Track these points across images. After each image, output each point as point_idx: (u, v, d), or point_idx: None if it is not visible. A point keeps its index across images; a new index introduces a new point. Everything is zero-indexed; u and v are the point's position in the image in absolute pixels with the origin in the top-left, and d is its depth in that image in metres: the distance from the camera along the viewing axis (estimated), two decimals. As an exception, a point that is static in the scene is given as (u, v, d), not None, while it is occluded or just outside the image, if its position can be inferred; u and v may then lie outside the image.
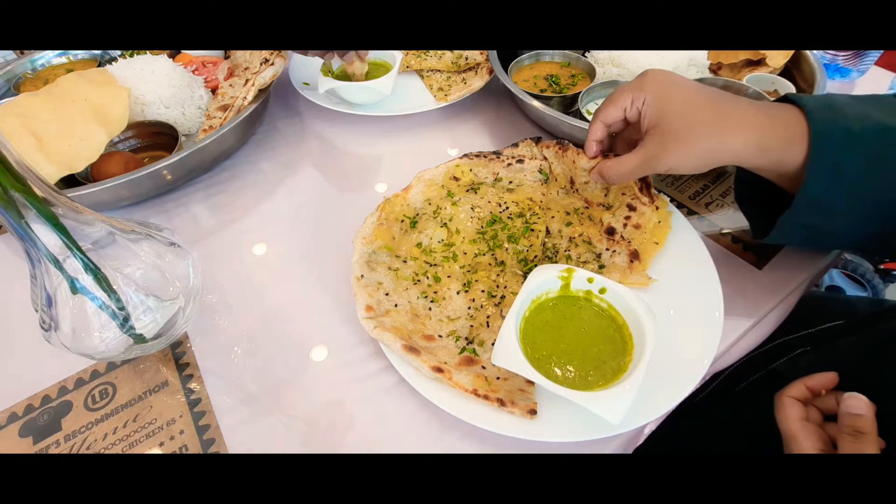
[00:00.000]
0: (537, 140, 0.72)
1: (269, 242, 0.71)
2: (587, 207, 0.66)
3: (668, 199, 0.66)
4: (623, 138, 0.63)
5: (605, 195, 0.66)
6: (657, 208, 0.63)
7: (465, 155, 0.72)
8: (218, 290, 0.65)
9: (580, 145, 0.67)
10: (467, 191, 0.68)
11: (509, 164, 0.71)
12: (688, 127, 0.51)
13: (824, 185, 0.46)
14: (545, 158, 0.71)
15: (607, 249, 0.61)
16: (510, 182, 0.70)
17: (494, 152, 0.72)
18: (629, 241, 0.61)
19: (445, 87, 0.94)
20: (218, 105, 0.85)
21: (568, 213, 0.65)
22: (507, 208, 0.66)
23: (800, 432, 0.42)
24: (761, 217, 0.55)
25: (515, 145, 0.73)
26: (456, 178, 0.69)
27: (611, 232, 0.62)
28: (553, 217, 0.65)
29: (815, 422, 0.44)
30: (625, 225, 0.62)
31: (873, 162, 0.45)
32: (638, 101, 0.55)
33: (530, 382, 0.50)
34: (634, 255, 0.59)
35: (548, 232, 0.64)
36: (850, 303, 0.68)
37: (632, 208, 0.63)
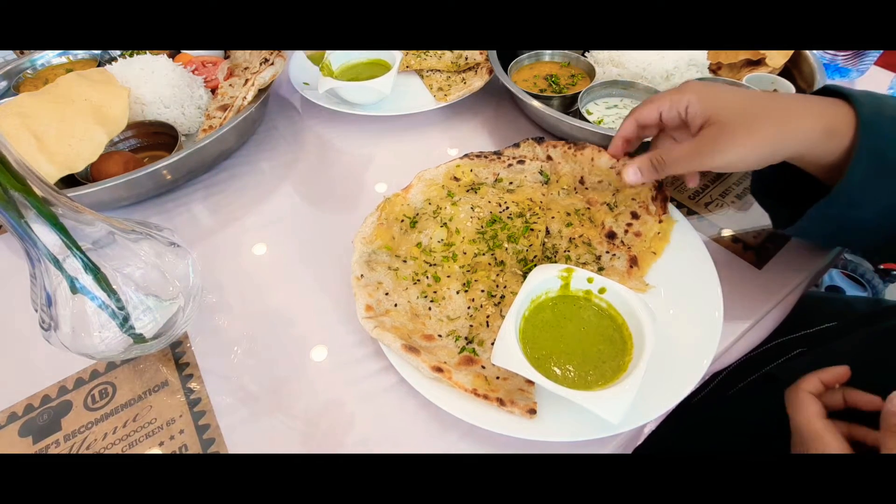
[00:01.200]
0: (539, 140, 0.72)
1: (269, 242, 0.71)
2: (588, 208, 0.66)
3: (675, 206, 0.65)
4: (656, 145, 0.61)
5: (613, 195, 0.66)
6: (660, 221, 0.62)
7: (466, 155, 0.72)
8: (218, 290, 0.65)
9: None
10: (467, 191, 0.68)
11: (510, 165, 0.71)
12: (748, 118, 0.48)
13: (867, 175, 0.45)
14: (549, 158, 0.71)
15: (607, 252, 0.61)
16: (510, 183, 0.70)
17: (495, 152, 0.72)
18: (629, 247, 0.61)
19: (445, 87, 0.94)
20: (218, 105, 0.85)
21: (568, 214, 0.65)
22: (507, 208, 0.66)
23: (825, 431, 0.40)
24: (780, 209, 0.54)
25: (517, 145, 0.73)
26: (456, 179, 0.69)
27: (611, 236, 0.62)
28: (553, 218, 0.65)
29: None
30: (626, 231, 0.62)
31: None
32: (679, 104, 0.53)
33: (530, 382, 0.50)
34: (634, 261, 0.59)
35: (547, 232, 0.64)
36: (848, 303, 0.68)
37: (635, 216, 0.63)
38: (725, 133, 0.49)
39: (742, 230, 0.68)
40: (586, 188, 0.68)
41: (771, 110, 0.48)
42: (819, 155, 0.48)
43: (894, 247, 0.52)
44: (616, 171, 0.63)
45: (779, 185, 0.56)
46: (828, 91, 0.50)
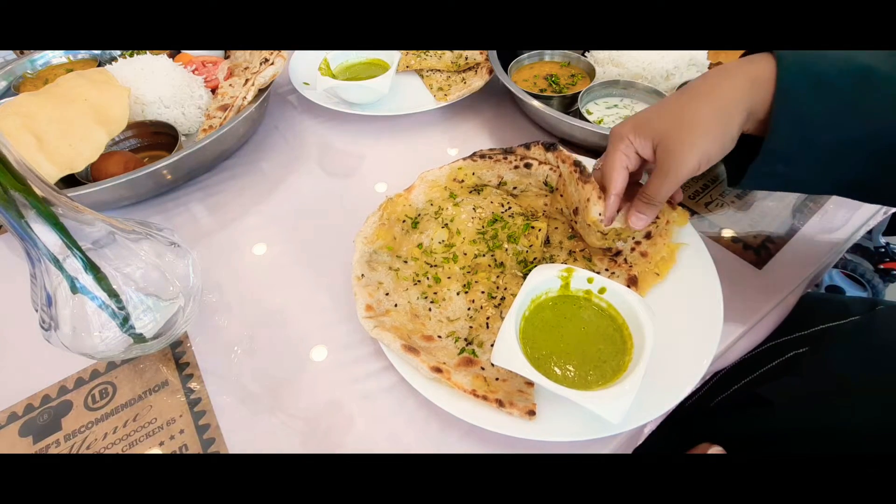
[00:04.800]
0: (550, 147, 0.68)
1: (269, 242, 0.71)
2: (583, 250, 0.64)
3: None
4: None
5: (604, 237, 0.61)
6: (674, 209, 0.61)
7: (471, 155, 0.70)
8: (218, 290, 0.65)
9: (589, 151, 0.65)
10: (470, 192, 0.68)
11: (516, 167, 0.68)
12: (682, 116, 0.49)
13: (787, 136, 0.45)
14: (558, 169, 0.67)
15: (606, 269, 0.60)
16: (514, 187, 0.69)
17: (503, 151, 0.69)
18: (630, 266, 0.59)
19: (445, 87, 0.94)
20: (218, 105, 0.85)
21: (571, 228, 0.64)
22: (510, 208, 0.65)
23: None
24: (737, 164, 0.54)
25: (527, 147, 0.69)
26: (459, 181, 0.69)
27: (615, 253, 0.61)
28: (556, 228, 0.64)
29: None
30: (632, 249, 0.60)
31: (847, 107, 0.43)
32: (630, 150, 0.54)
33: (529, 384, 0.50)
34: (633, 281, 0.58)
35: (548, 241, 0.63)
36: (846, 303, 0.68)
37: (647, 235, 0.61)
38: (673, 143, 0.49)
39: (742, 230, 0.68)
40: (577, 222, 0.63)
41: (696, 95, 0.49)
42: (756, 109, 0.47)
43: (860, 190, 0.51)
44: (601, 220, 0.60)
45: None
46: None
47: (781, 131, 0.45)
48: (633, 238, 0.61)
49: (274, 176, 0.81)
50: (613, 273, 0.59)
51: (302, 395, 0.55)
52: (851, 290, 1.47)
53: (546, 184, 0.68)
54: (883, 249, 1.43)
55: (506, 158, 0.69)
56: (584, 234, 0.62)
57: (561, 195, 0.67)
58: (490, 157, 0.70)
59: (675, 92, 0.53)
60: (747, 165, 0.49)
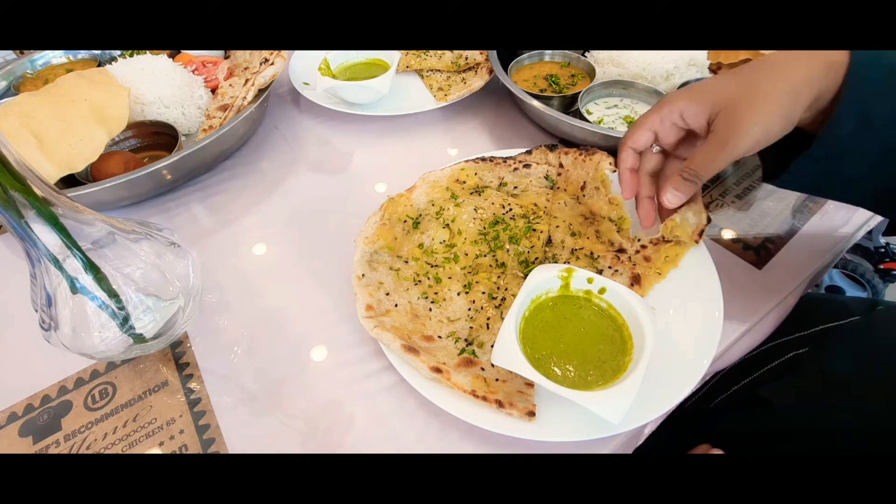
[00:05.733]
0: (552, 147, 0.71)
1: (269, 242, 0.71)
2: (589, 221, 0.65)
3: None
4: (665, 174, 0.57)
5: (609, 203, 0.64)
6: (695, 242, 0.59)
7: (472, 158, 0.71)
8: (218, 290, 0.65)
9: (604, 149, 0.66)
10: (471, 193, 0.68)
11: (515, 169, 0.70)
12: (752, 88, 0.45)
13: (847, 128, 0.43)
14: (561, 166, 0.69)
15: (609, 267, 0.59)
16: (515, 187, 0.69)
17: (505, 158, 0.71)
18: (634, 265, 0.59)
19: (445, 87, 0.94)
20: (218, 105, 0.85)
21: (571, 226, 0.64)
22: (511, 210, 0.65)
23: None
24: (774, 158, 0.51)
25: (529, 152, 0.71)
26: (460, 181, 0.69)
27: (620, 251, 0.60)
28: (558, 227, 0.64)
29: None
30: (637, 251, 0.60)
31: None
32: (671, 115, 0.50)
33: (529, 384, 0.50)
34: (636, 280, 0.58)
35: (549, 241, 0.63)
36: (846, 304, 0.68)
37: (655, 241, 0.60)
38: (739, 113, 0.46)
39: (742, 230, 0.68)
40: (584, 195, 0.66)
41: (768, 68, 0.46)
42: (824, 94, 0.45)
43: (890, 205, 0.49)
44: (612, 171, 0.60)
45: None
46: None
47: (844, 120, 0.43)
48: (639, 241, 0.61)
49: (274, 176, 0.81)
50: (617, 271, 0.59)
51: (302, 395, 0.55)
52: (851, 290, 1.47)
53: (547, 177, 0.69)
54: (883, 249, 1.44)
55: (505, 162, 0.71)
56: (592, 204, 0.63)
57: (565, 189, 0.67)
58: (491, 160, 0.71)
59: (743, 65, 0.50)
60: (786, 161, 0.47)
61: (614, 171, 0.65)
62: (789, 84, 0.45)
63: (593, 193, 0.65)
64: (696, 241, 0.58)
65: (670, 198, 0.52)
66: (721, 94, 0.48)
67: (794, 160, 0.47)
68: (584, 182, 0.66)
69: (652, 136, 0.53)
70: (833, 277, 1.50)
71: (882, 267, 1.42)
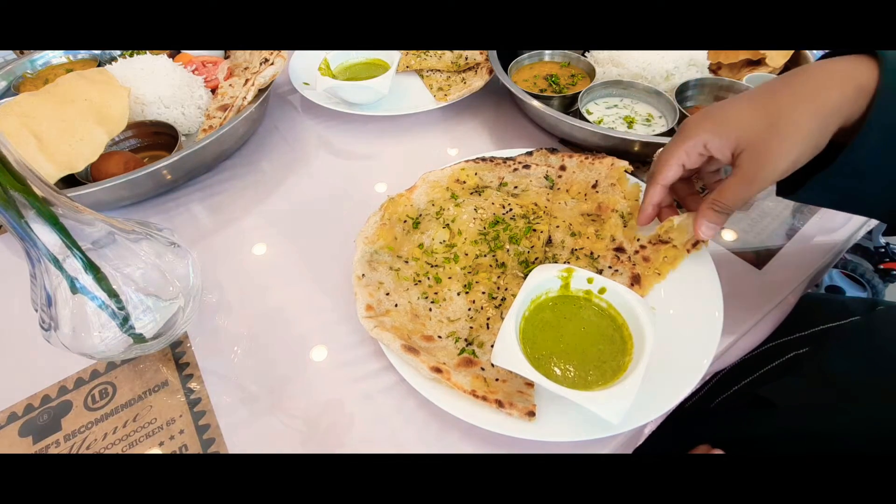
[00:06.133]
0: (553, 150, 0.71)
1: (269, 242, 0.71)
2: (591, 218, 0.65)
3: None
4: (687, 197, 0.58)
5: (625, 197, 0.64)
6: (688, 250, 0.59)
7: (472, 158, 0.71)
8: (218, 290, 0.65)
9: (595, 150, 0.66)
10: (471, 193, 0.68)
11: (515, 170, 0.70)
12: (778, 121, 0.44)
13: (873, 148, 0.42)
14: (563, 168, 0.70)
15: (610, 267, 0.59)
16: (515, 187, 0.69)
17: (504, 159, 0.71)
18: (634, 264, 0.59)
19: (445, 87, 0.94)
20: (218, 105, 0.85)
21: (571, 226, 0.64)
22: (511, 210, 0.66)
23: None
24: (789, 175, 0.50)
25: (529, 153, 0.72)
26: (461, 181, 0.69)
27: (619, 250, 0.61)
28: (558, 227, 0.64)
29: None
30: (636, 251, 0.60)
31: None
32: (696, 148, 0.50)
33: (529, 384, 0.50)
34: (636, 280, 0.58)
35: (549, 241, 0.63)
36: (846, 304, 0.68)
37: (653, 241, 0.61)
38: (766, 149, 0.45)
39: (742, 230, 0.68)
40: (597, 192, 0.66)
41: (794, 96, 0.44)
42: (851, 117, 0.44)
43: None
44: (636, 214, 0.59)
45: None
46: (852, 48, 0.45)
47: (870, 141, 0.42)
48: (638, 240, 0.61)
49: (274, 176, 0.81)
50: (617, 271, 0.59)
51: (302, 395, 0.55)
52: (851, 290, 1.47)
53: (547, 177, 0.69)
54: (883, 249, 1.44)
55: (505, 162, 0.71)
56: (605, 199, 0.65)
57: (567, 190, 0.68)
58: (491, 160, 0.71)
59: (763, 86, 0.48)
60: (800, 176, 0.47)
61: (632, 171, 0.67)
62: (819, 114, 0.44)
63: (608, 189, 0.66)
64: (688, 251, 0.58)
65: (705, 230, 0.53)
66: (746, 128, 0.47)
67: (813, 177, 0.46)
68: (597, 181, 0.67)
69: (681, 170, 0.53)
70: (833, 277, 1.50)
71: (882, 267, 1.42)
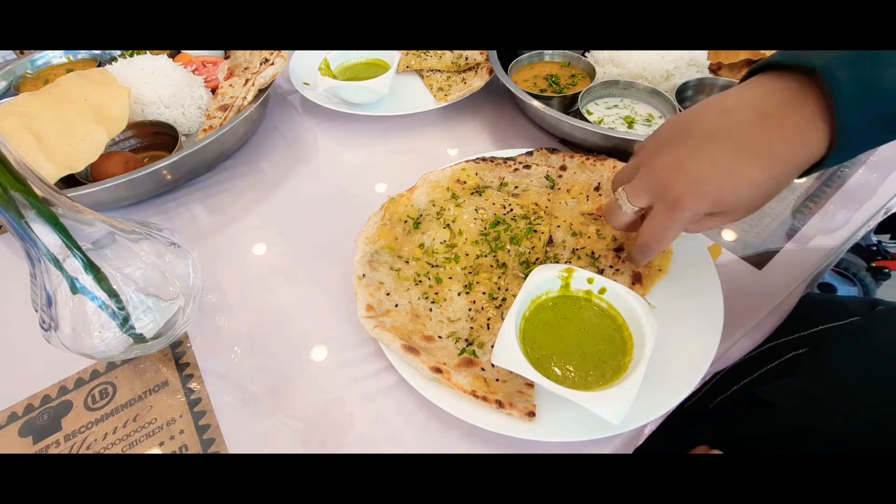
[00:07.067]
0: (553, 150, 0.72)
1: (269, 242, 0.71)
2: (592, 217, 0.65)
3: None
4: None
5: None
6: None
7: (473, 158, 0.71)
8: (218, 290, 0.65)
9: (595, 150, 0.66)
10: (472, 193, 0.68)
11: (516, 170, 0.70)
12: (726, 178, 0.43)
13: (842, 158, 0.42)
14: (563, 168, 0.70)
15: (611, 266, 0.60)
16: (515, 187, 0.69)
17: (504, 159, 0.71)
18: None
19: (445, 87, 0.94)
20: (218, 105, 0.85)
21: (572, 226, 0.64)
22: (511, 210, 0.66)
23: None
24: None
25: (530, 153, 0.72)
26: (461, 182, 0.69)
27: (619, 249, 0.61)
28: (559, 227, 0.64)
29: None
30: None
31: None
32: (693, 218, 0.46)
33: (530, 385, 0.50)
34: (637, 278, 0.58)
35: (550, 241, 0.63)
36: (845, 304, 0.68)
37: None
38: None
39: (742, 230, 0.68)
40: (600, 195, 0.66)
41: (741, 150, 0.42)
42: (813, 153, 0.42)
43: None
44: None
45: None
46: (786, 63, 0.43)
47: (838, 159, 0.42)
48: None
49: (274, 176, 0.81)
50: (618, 270, 0.59)
51: (302, 396, 0.55)
52: (843, 288, 1.47)
53: (547, 177, 0.69)
54: (875, 247, 1.44)
55: (505, 162, 0.71)
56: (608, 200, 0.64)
57: (568, 190, 0.68)
58: (492, 161, 0.71)
59: (706, 134, 0.44)
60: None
61: None
62: (772, 171, 0.42)
63: (610, 192, 0.65)
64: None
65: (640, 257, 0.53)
66: (729, 195, 0.44)
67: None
68: (599, 183, 0.67)
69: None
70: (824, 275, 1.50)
71: (874, 265, 1.42)
